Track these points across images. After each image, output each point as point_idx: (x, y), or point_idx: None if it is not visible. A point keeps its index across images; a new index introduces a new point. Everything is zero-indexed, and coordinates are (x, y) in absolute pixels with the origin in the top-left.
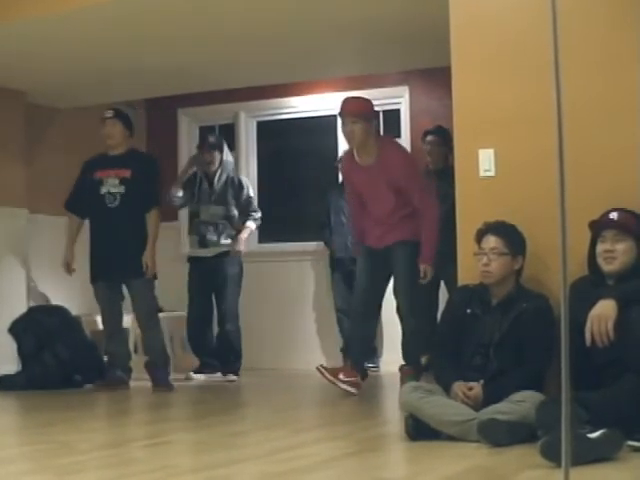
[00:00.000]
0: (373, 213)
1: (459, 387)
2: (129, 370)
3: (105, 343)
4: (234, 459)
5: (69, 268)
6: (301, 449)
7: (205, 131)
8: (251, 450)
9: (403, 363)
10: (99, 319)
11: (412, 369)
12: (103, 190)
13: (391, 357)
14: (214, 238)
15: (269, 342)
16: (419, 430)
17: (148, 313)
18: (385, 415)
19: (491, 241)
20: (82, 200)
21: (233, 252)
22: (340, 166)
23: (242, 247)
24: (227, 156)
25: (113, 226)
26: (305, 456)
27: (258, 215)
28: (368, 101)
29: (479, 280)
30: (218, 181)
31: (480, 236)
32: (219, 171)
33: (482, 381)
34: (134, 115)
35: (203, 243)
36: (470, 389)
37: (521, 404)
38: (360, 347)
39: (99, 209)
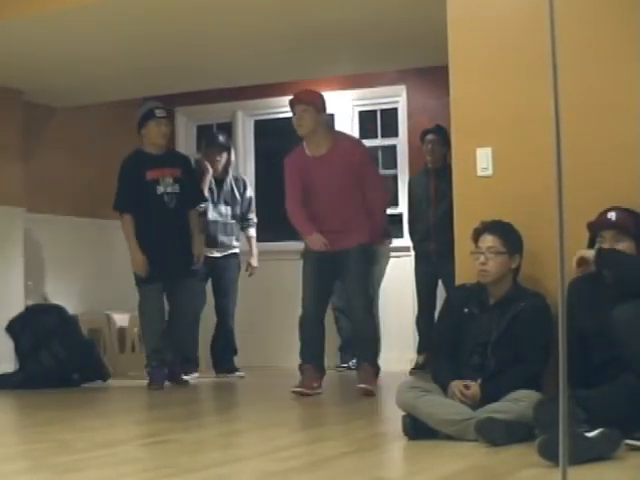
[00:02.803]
0: (326, 216)
1: (456, 386)
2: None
3: (156, 343)
4: (231, 458)
5: (145, 268)
6: (298, 448)
7: (204, 130)
8: (248, 449)
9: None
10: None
11: (372, 367)
12: (160, 190)
13: (388, 356)
14: (225, 240)
15: (267, 340)
16: (416, 429)
17: (194, 312)
18: (382, 414)
19: (488, 240)
20: (133, 200)
21: (250, 270)
22: (286, 165)
23: (256, 262)
24: (233, 156)
25: (170, 226)
26: (302, 455)
27: (256, 219)
28: (320, 94)
29: (476, 279)
30: (227, 180)
31: (477, 235)
32: (228, 170)
33: (480, 380)
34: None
35: (213, 243)
36: (468, 388)
37: (518, 403)
38: (319, 349)
39: (158, 210)
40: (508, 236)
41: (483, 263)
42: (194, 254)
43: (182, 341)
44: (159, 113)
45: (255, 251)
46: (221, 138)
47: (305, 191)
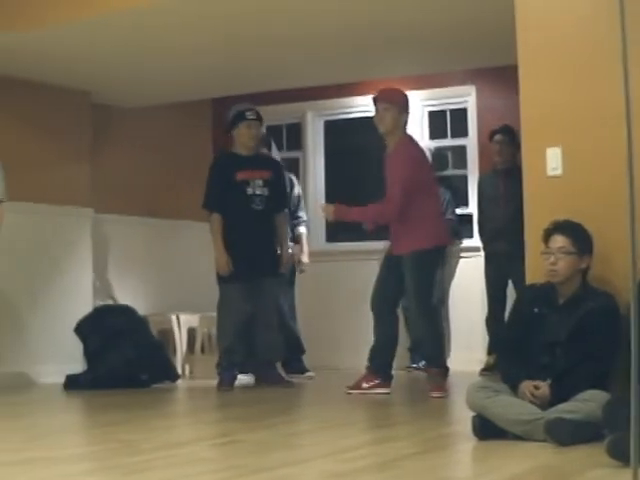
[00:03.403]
0: None
1: (526, 386)
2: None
3: (230, 342)
4: (298, 459)
5: (229, 268)
6: (365, 448)
7: (270, 130)
8: (315, 450)
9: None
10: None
11: (439, 370)
12: (249, 191)
13: (460, 356)
14: None
15: (337, 341)
16: (486, 429)
17: (276, 311)
18: (451, 414)
19: (558, 240)
20: (222, 200)
21: (299, 267)
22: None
23: (307, 258)
24: (275, 154)
25: (257, 227)
26: (369, 456)
27: (305, 217)
28: (403, 93)
29: (546, 279)
30: None
31: (547, 235)
32: None
33: (549, 380)
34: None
35: None
36: (537, 388)
37: (587, 403)
38: (383, 355)
39: (245, 210)
40: (578, 236)
41: (553, 263)
42: (282, 257)
43: (272, 341)
44: (250, 115)
45: (305, 248)
46: None
47: None
